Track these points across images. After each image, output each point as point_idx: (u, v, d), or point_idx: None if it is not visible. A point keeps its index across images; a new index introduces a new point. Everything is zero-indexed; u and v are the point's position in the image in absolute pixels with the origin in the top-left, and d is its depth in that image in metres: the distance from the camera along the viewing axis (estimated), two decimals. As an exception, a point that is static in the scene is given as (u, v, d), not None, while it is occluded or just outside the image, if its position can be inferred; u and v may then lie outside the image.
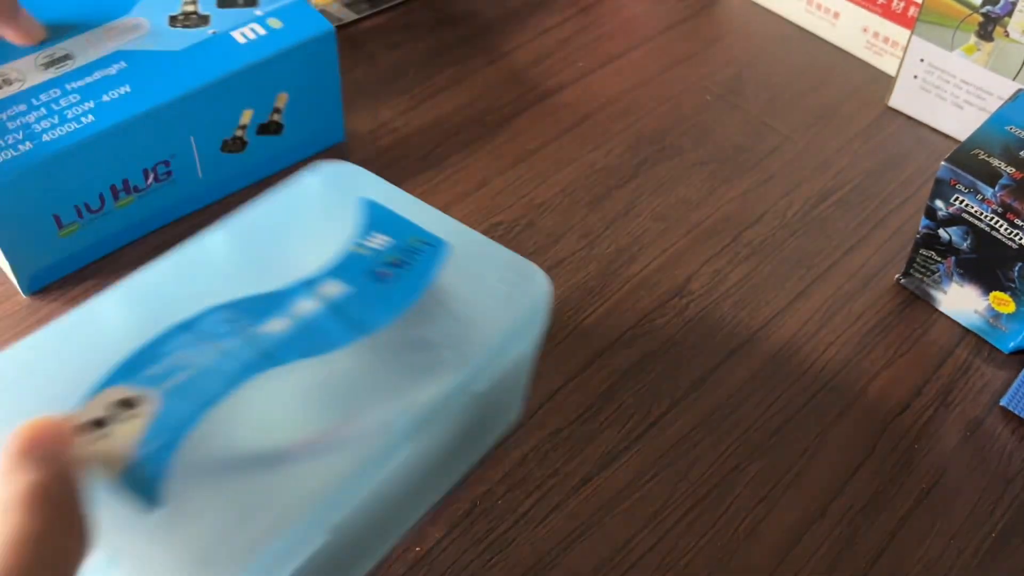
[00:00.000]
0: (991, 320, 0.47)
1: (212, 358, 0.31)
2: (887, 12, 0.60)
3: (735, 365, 0.46)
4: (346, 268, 0.34)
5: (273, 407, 0.31)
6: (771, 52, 0.64)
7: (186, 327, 0.32)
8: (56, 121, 0.44)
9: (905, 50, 0.58)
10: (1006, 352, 0.47)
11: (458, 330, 0.34)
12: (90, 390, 0.29)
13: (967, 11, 0.53)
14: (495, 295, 0.35)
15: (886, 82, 0.62)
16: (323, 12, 0.63)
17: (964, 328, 0.48)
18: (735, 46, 0.65)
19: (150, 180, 0.48)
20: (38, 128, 0.44)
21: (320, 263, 0.34)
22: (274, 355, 0.31)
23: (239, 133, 0.50)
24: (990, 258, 0.45)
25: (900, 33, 0.60)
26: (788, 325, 0.48)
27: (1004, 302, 0.45)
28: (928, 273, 0.48)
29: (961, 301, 0.47)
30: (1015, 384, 0.45)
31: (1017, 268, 0.44)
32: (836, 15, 0.64)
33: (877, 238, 0.52)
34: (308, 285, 0.34)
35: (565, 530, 0.40)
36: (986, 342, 0.47)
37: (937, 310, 0.49)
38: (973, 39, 0.54)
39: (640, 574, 0.39)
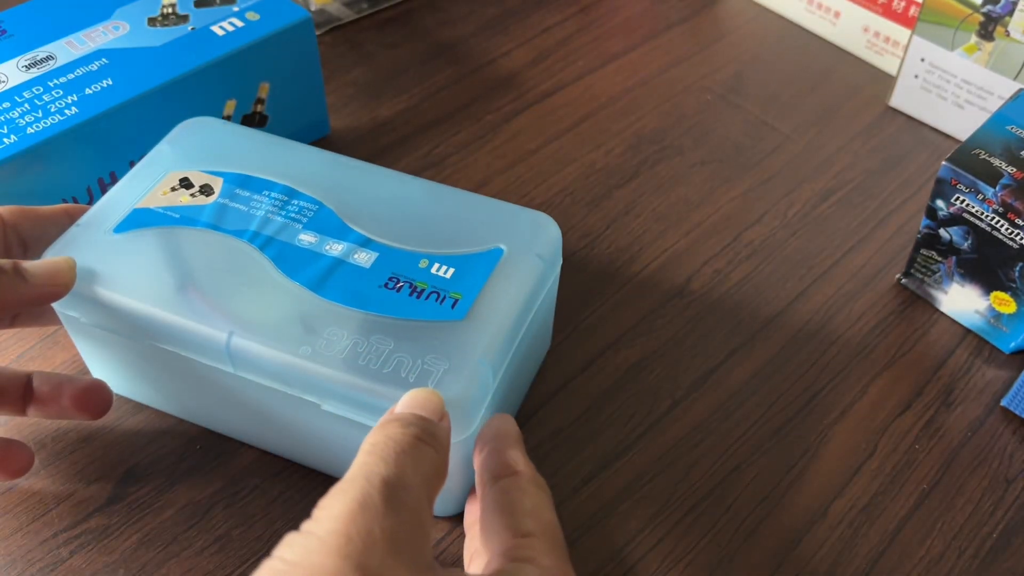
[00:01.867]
0: (992, 320, 0.47)
1: (257, 213, 0.40)
2: (888, 12, 0.60)
3: (736, 365, 0.46)
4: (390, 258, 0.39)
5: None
6: (772, 52, 0.64)
7: (252, 181, 0.42)
8: (40, 115, 0.45)
9: (906, 50, 0.57)
10: (1007, 352, 0.47)
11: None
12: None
13: (968, 11, 0.53)
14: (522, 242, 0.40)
15: (887, 82, 0.62)
16: (323, 11, 0.63)
17: (965, 328, 0.48)
18: (736, 46, 0.65)
19: None
20: (22, 122, 0.44)
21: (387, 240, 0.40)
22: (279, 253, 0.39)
23: None
24: (991, 258, 0.44)
25: (901, 33, 0.60)
26: (789, 325, 0.48)
27: (1005, 302, 0.45)
28: (929, 273, 0.48)
29: (962, 301, 0.47)
30: (1016, 384, 0.44)
31: (1018, 268, 0.44)
32: (837, 14, 0.64)
33: (878, 238, 0.52)
34: (364, 240, 0.39)
35: (565, 530, 0.40)
36: (987, 342, 0.47)
37: (938, 310, 0.49)
38: (974, 39, 0.54)
39: (640, 574, 0.38)
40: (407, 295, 0.37)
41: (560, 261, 0.41)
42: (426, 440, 0.28)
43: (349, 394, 0.34)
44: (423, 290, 0.37)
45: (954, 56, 0.55)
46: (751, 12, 0.67)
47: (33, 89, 0.46)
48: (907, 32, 0.60)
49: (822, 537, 0.40)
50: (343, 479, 0.27)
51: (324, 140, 0.56)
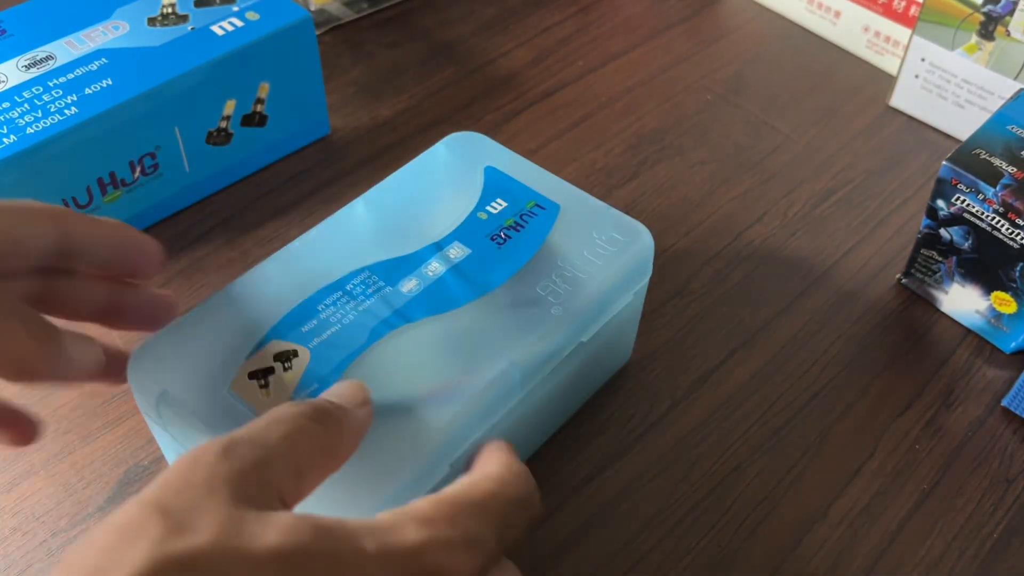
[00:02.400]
0: (992, 320, 0.46)
1: (355, 316, 0.36)
2: (888, 11, 0.60)
3: (736, 365, 0.46)
4: (469, 232, 0.39)
5: (406, 359, 0.35)
6: (772, 51, 0.64)
7: (333, 288, 0.37)
8: (40, 115, 0.45)
9: (906, 49, 0.57)
10: (1007, 352, 0.47)
11: (566, 286, 0.38)
12: (255, 346, 0.35)
13: (968, 10, 0.53)
14: (602, 252, 0.39)
15: (887, 81, 0.61)
16: (322, 11, 0.63)
17: (965, 328, 0.48)
18: (736, 45, 0.65)
19: (137, 173, 0.48)
20: (22, 122, 0.44)
21: (447, 227, 0.39)
22: (406, 313, 0.36)
23: (223, 124, 0.50)
24: (991, 258, 0.44)
25: (901, 32, 0.60)
26: (789, 325, 0.48)
27: (1005, 302, 0.45)
28: (929, 273, 0.48)
29: (962, 301, 0.47)
30: (1016, 384, 0.44)
31: (1018, 268, 0.43)
32: (837, 14, 0.64)
33: (878, 238, 0.52)
34: (436, 248, 0.39)
35: (565, 531, 0.40)
36: (987, 342, 0.47)
37: (938, 310, 0.49)
38: (974, 38, 0.54)
39: (641, 575, 0.38)
40: (509, 235, 0.39)
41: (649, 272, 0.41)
42: (315, 418, 0.28)
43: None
44: (511, 225, 0.39)
45: (955, 56, 0.55)
46: (751, 12, 0.67)
47: (33, 89, 0.46)
48: (907, 32, 0.60)
49: (822, 537, 0.40)
50: None
51: (324, 140, 0.56)
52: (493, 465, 0.29)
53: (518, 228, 0.40)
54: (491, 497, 0.27)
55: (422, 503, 0.26)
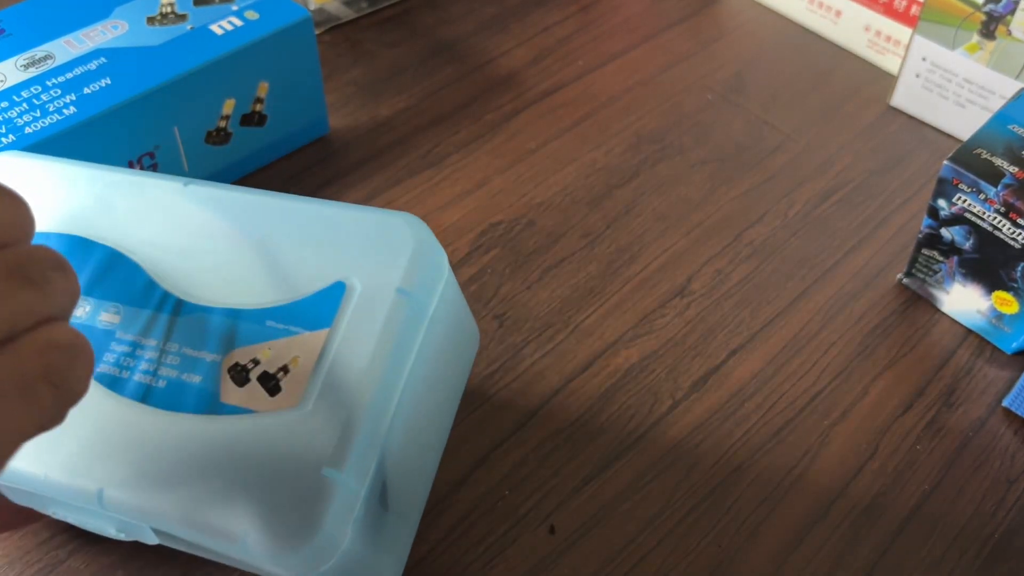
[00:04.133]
0: (993, 320, 0.46)
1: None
2: (889, 11, 0.60)
3: (736, 365, 0.46)
4: None
5: None
6: (772, 51, 0.64)
7: None
8: (38, 114, 0.45)
9: (907, 49, 0.57)
10: (1009, 353, 0.47)
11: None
12: None
13: (969, 10, 0.53)
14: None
15: (888, 81, 0.61)
16: (322, 10, 0.63)
17: (966, 328, 0.48)
18: (736, 45, 0.64)
19: None
20: (20, 122, 0.44)
21: None
22: None
23: (222, 124, 0.50)
24: (993, 258, 0.44)
25: (902, 32, 0.60)
26: (790, 325, 0.48)
27: (1007, 302, 0.45)
28: (930, 273, 0.48)
29: (963, 301, 0.47)
30: (1018, 385, 0.44)
31: (1020, 268, 0.43)
32: (838, 14, 0.63)
33: (879, 238, 0.52)
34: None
35: (565, 531, 0.40)
36: (988, 343, 0.47)
37: (939, 310, 0.49)
38: (975, 38, 0.54)
39: (641, 575, 0.38)
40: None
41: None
42: None
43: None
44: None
45: (956, 55, 0.55)
46: (752, 11, 0.67)
47: (31, 88, 0.46)
48: (908, 31, 0.59)
49: (823, 538, 0.40)
50: None
51: (323, 139, 0.56)
52: None
53: None
54: None
55: None
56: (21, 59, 0.47)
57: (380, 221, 0.33)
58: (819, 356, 0.46)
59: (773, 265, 0.50)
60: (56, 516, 0.34)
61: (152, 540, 0.32)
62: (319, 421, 0.30)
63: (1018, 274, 0.44)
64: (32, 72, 0.47)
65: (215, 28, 0.49)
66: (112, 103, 0.45)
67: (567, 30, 0.65)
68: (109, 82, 0.46)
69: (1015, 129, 0.44)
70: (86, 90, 0.46)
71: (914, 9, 0.59)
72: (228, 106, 0.50)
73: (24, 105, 0.45)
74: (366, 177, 0.54)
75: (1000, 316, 0.46)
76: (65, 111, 0.45)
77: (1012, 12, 0.51)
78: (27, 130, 0.44)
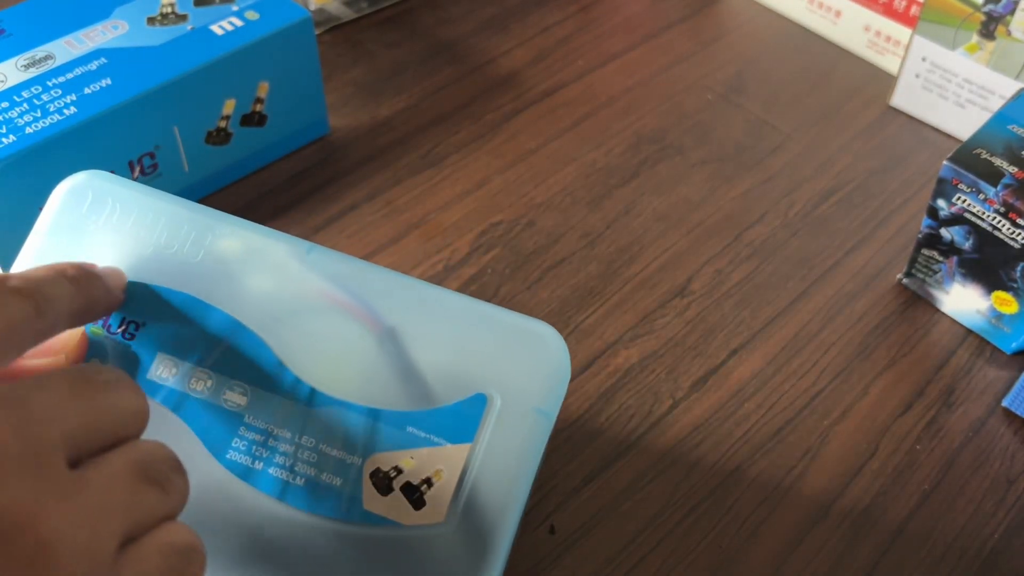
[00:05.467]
0: (993, 320, 0.46)
1: None
2: (889, 11, 0.60)
3: (736, 365, 0.46)
4: None
5: None
6: (772, 51, 0.64)
7: None
8: (39, 115, 0.45)
9: (907, 49, 0.57)
10: (1008, 353, 0.47)
11: None
12: None
13: (969, 10, 0.53)
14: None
15: (888, 81, 0.61)
16: (322, 10, 0.63)
17: (966, 329, 0.48)
18: (736, 45, 0.64)
19: (136, 173, 0.48)
20: (21, 122, 0.44)
21: None
22: None
23: (223, 124, 0.50)
24: (992, 258, 0.44)
25: (902, 32, 0.60)
26: (790, 325, 0.48)
27: (1006, 302, 0.45)
28: (930, 273, 0.48)
29: (963, 301, 0.47)
30: (1017, 385, 0.44)
31: (1020, 268, 0.43)
32: (838, 14, 0.63)
33: (879, 238, 0.52)
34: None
35: (565, 531, 0.40)
36: (988, 343, 0.47)
37: (939, 310, 0.49)
38: (975, 38, 0.54)
39: (641, 575, 0.38)
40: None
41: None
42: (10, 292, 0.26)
43: None
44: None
45: (955, 55, 0.55)
46: (752, 11, 0.67)
47: (32, 89, 0.46)
48: (908, 31, 0.59)
49: (823, 538, 0.40)
50: None
51: (323, 139, 0.56)
52: None
53: None
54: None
55: None
56: (21, 59, 0.47)
57: (519, 327, 0.32)
58: (819, 356, 0.46)
59: (773, 265, 0.50)
60: None
61: None
62: (463, 539, 0.29)
63: (1018, 274, 0.44)
64: (32, 72, 0.47)
65: (215, 28, 0.49)
66: (112, 103, 0.45)
67: (567, 30, 0.65)
68: (109, 82, 0.46)
69: (1015, 129, 0.44)
70: (86, 90, 0.46)
71: (914, 9, 0.59)
72: (228, 106, 0.50)
73: (24, 105, 0.45)
74: (366, 177, 0.54)
75: (1000, 316, 0.46)
76: (65, 111, 0.45)
77: (1012, 12, 0.51)
78: (27, 130, 0.44)
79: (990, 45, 0.53)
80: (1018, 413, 0.44)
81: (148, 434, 0.27)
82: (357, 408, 0.31)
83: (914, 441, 0.43)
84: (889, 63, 0.62)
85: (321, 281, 0.32)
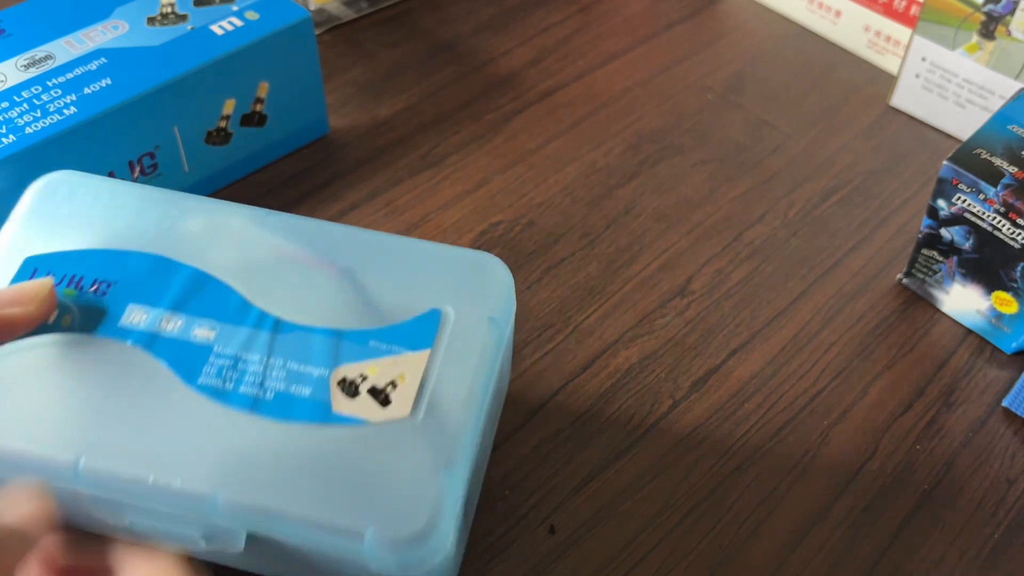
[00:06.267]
0: (993, 320, 0.46)
1: None
2: (889, 11, 0.60)
3: (736, 365, 0.46)
4: None
5: None
6: (772, 51, 0.64)
7: None
8: (39, 115, 0.45)
9: (907, 49, 0.57)
10: (1008, 352, 0.47)
11: None
12: None
13: (969, 10, 0.53)
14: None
15: (888, 81, 0.61)
16: (322, 10, 0.63)
17: (966, 328, 0.48)
18: (736, 45, 0.64)
19: (136, 173, 0.48)
20: (21, 122, 0.44)
21: None
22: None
23: (223, 124, 0.50)
24: (992, 258, 0.44)
25: (902, 32, 0.60)
26: (790, 325, 0.48)
27: (1006, 302, 0.45)
28: (930, 273, 0.48)
29: (963, 301, 0.47)
30: (1017, 384, 0.44)
31: (1020, 268, 0.43)
32: (838, 14, 0.63)
33: (879, 238, 0.52)
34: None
35: (565, 531, 0.40)
36: (988, 342, 0.47)
37: (939, 310, 0.49)
38: (975, 38, 0.54)
39: (641, 575, 0.38)
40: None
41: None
42: None
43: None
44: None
45: (955, 55, 0.55)
46: (752, 11, 0.67)
47: (32, 89, 0.46)
48: (908, 31, 0.59)
49: (823, 538, 0.40)
50: None
51: (323, 139, 0.56)
52: None
53: None
54: None
55: None
56: (21, 59, 0.47)
57: (465, 257, 0.37)
58: (819, 356, 0.46)
59: (773, 265, 0.50)
60: (127, 528, 0.32)
61: (238, 547, 0.32)
62: (430, 430, 0.32)
63: (1018, 274, 0.44)
64: (32, 72, 0.47)
65: (215, 28, 0.49)
66: (112, 103, 0.45)
67: (567, 30, 0.65)
68: (109, 82, 0.46)
69: (1015, 129, 0.44)
70: (86, 90, 0.46)
71: (914, 9, 0.59)
72: (228, 106, 0.50)
73: (25, 105, 0.45)
74: (366, 177, 0.54)
75: (1000, 316, 0.46)
76: (65, 111, 0.45)
77: (1012, 12, 0.51)
78: (27, 130, 0.44)
79: (990, 45, 0.53)
80: (1018, 413, 0.44)
81: (118, 372, 0.32)
82: (321, 330, 0.34)
83: (914, 441, 0.43)
84: (889, 63, 0.62)
85: (279, 239, 0.36)
